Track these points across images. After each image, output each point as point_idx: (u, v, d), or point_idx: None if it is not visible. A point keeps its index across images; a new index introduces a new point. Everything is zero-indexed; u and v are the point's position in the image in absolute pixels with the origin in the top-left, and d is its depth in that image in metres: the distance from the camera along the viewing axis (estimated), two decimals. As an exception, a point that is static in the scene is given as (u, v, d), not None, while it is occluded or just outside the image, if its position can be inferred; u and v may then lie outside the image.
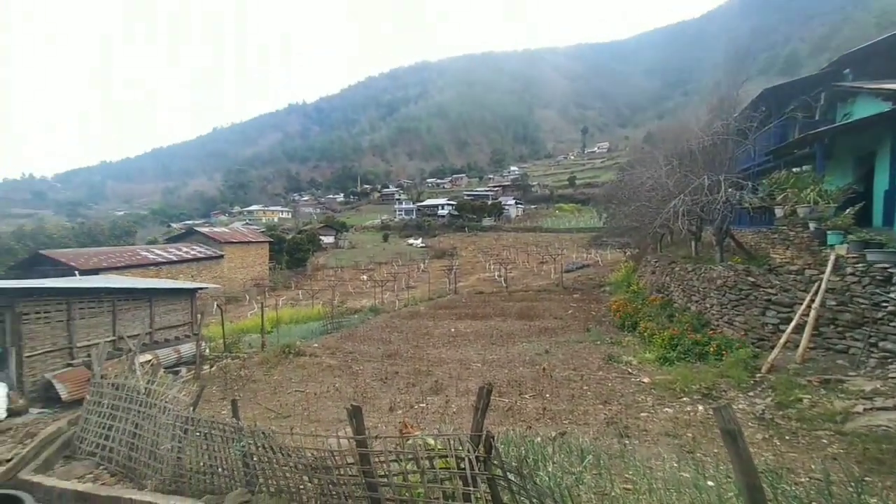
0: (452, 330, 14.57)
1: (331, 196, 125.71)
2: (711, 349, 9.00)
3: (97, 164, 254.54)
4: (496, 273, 30.71)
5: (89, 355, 9.85)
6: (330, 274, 39.53)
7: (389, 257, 48.48)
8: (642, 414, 6.88)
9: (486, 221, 73.16)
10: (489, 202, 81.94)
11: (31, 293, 9.49)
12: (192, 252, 31.43)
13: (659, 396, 7.54)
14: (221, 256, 32.95)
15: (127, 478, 6.07)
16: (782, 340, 7.72)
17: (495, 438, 3.61)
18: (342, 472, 3.87)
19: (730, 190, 10.75)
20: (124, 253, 28.10)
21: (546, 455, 4.95)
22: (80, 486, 5.66)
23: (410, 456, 3.67)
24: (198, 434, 5.34)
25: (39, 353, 9.49)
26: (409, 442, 3.87)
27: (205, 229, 40.07)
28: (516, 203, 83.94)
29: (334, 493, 3.93)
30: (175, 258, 29.19)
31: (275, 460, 4.35)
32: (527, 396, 7.90)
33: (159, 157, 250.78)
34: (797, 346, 7.47)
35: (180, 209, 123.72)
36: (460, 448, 3.58)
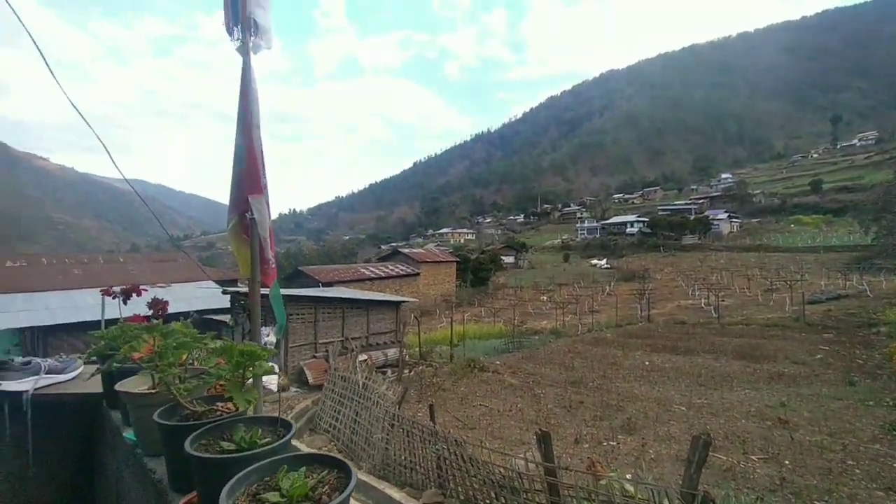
0: (646, 363, 12.90)
1: (511, 217, 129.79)
2: None
3: (333, 199, 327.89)
4: (703, 300, 26.00)
5: (327, 351, 12.46)
6: (510, 293, 40.46)
7: (570, 278, 46.62)
8: (966, 521, 4.63)
9: (688, 239, 63.17)
10: (691, 217, 70.63)
11: (295, 299, 12.62)
12: (396, 270, 36.82)
13: None
14: (418, 274, 37.56)
15: (348, 457, 7.33)
16: None
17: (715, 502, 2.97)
18: (529, 497, 3.78)
19: None
20: (349, 269, 34.95)
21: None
22: (320, 455, 7.12)
23: (604, 498, 3.32)
24: (401, 430, 6.07)
25: (297, 346, 12.48)
26: (603, 482, 3.52)
27: (405, 250, 46.56)
28: (729, 217, 69.93)
29: (521, 517, 3.86)
30: (383, 274, 34.74)
31: (465, 469, 4.56)
32: (754, 458, 6.29)
33: (374, 191, 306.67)
34: None
35: (388, 233, 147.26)
36: (667, 503, 3.06)
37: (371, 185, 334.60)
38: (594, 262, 58.59)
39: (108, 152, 2.62)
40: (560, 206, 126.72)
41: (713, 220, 67.24)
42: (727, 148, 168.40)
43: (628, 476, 5.02)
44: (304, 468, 0.70)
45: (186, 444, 0.77)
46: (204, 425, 0.86)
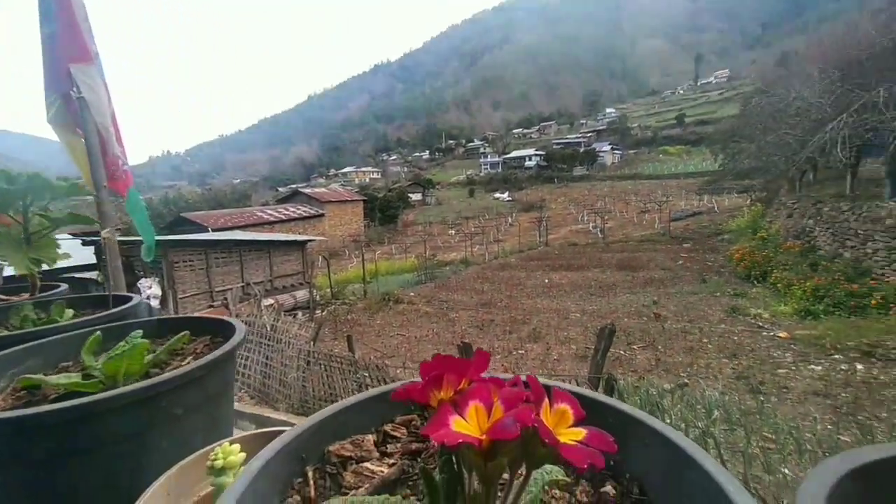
0: (546, 281, 14.13)
1: (417, 154, 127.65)
2: (874, 301, 7.49)
3: (216, 138, 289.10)
4: (590, 224, 28.90)
5: (226, 298, 11.40)
6: (419, 230, 40.73)
7: (476, 212, 48.27)
8: (780, 370, 5.99)
9: (578, 171, 68.56)
10: (581, 150, 76.33)
11: (179, 244, 11.09)
12: (298, 211, 34.46)
13: (802, 353, 6.49)
14: (322, 215, 35.63)
15: (263, 401, 6.99)
16: None
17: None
18: (452, 406, 3.91)
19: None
20: (244, 214, 31.80)
21: (664, 407, 4.54)
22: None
23: (522, 394, 3.55)
24: (318, 366, 5.86)
25: (189, 296, 11.19)
26: (520, 381, 3.76)
27: (307, 190, 43.36)
28: (612, 149, 76.97)
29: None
30: (284, 217, 32.31)
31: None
32: (636, 347, 7.35)
33: (264, 129, 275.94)
34: None
35: (285, 174, 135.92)
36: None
37: (261, 122, 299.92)
38: (497, 195, 61.04)
39: None
40: (464, 141, 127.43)
41: (599, 152, 73.53)
42: (612, 84, 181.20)
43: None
44: (139, 331, 0.43)
45: None
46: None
